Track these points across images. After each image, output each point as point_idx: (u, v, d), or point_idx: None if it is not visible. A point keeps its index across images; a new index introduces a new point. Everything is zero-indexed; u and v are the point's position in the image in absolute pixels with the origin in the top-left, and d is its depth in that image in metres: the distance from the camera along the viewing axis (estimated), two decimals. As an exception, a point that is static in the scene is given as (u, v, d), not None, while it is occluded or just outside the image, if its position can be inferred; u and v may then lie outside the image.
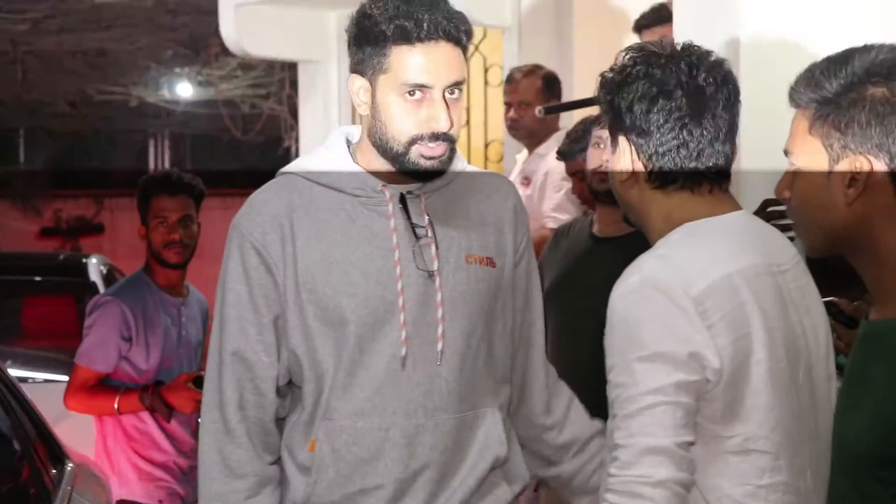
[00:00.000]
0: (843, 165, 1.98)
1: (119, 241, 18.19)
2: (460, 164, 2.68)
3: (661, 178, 2.34)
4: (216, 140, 17.86)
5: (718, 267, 2.24)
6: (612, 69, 2.41)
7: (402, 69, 2.49)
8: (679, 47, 2.36)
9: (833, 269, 2.20)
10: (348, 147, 2.64)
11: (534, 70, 5.70)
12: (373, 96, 2.54)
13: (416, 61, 2.48)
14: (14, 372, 5.01)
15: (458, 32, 2.51)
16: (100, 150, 19.11)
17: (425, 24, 2.47)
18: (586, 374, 2.95)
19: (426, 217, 2.60)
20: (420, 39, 2.48)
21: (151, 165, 19.48)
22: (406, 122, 2.51)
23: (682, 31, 3.92)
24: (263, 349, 2.59)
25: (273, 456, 2.64)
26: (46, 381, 6.56)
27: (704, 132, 2.32)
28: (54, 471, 3.56)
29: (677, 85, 2.32)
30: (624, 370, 2.21)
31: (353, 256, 2.55)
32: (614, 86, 2.38)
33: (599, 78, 2.43)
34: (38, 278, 7.59)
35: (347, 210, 2.58)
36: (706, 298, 2.20)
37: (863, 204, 1.97)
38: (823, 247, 2.07)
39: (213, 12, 8.46)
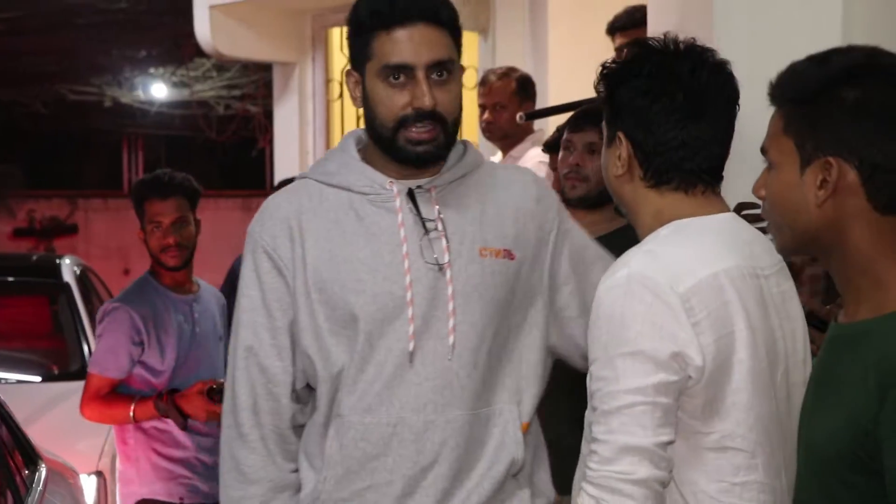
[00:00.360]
0: (815, 167, 1.97)
1: (93, 242, 18.13)
2: (475, 157, 2.67)
3: (656, 178, 2.35)
4: (191, 141, 17.82)
5: (705, 266, 2.25)
6: (613, 62, 2.41)
7: (382, 53, 2.50)
8: (682, 45, 2.35)
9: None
10: (359, 148, 2.65)
11: (508, 73, 5.70)
12: (363, 88, 2.56)
13: (394, 43, 2.49)
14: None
15: (436, 12, 2.50)
16: (74, 151, 19.03)
17: (400, 7, 2.48)
18: (565, 378, 2.96)
19: (436, 210, 2.57)
20: (397, 22, 2.49)
21: (125, 166, 19.43)
22: (390, 105, 2.51)
23: (657, 29, 3.93)
24: (277, 354, 2.58)
25: (291, 463, 2.62)
26: (19, 381, 6.54)
27: (703, 133, 2.32)
28: (27, 472, 3.55)
29: (679, 84, 2.31)
30: (606, 365, 2.21)
31: (361, 253, 2.54)
32: (615, 80, 2.38)
33: (600, 69, 2.42)
34: (11, 279, 7.53)
35: (356, 209, 2.58)
36: (692, 296, 2.21)
37: (833, 206, 1.96)
38: (794, 247, 2.07)
39: (187, 13, 8.45)
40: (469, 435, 2.54)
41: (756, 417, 2.22)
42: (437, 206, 2.57)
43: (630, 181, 2.37)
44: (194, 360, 4.44)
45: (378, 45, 2.50)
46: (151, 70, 15.73)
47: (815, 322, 2.61)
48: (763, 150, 2.08)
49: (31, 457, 3.64)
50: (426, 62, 2.49)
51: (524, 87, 5.61)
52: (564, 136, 3.72)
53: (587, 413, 2.34)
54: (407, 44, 2.49)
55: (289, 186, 2.69)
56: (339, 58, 8.68)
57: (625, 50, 2.42)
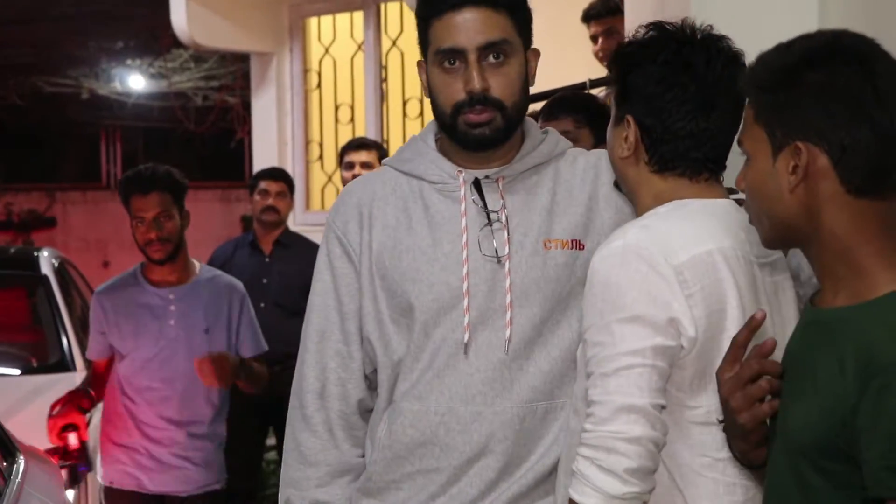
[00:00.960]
0: (786, 153, 1.97)
1: (71, 235, 18.07)
2: (554, 147, 2.65)
3: (661, 164, 2.39)
4: (169, 132, 17.75)
5: (700, 243, 2.27)
6: (630, 43, 2.43)
7: (436, 39, 2.52)
8: (699, 34, 2.37)
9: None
10: (437, 137, 2.65)
11: None
12: (427, 76, 2.58)
13: (446, 28, 2.50)
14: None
15: None
16: (51, 144, 18.95)
17: None
18: None
19: (501, 201, 2.56)
20: (449, 7, 2.50)
21: (103, 159, 19.35)
22: (447, 91, 2.51)
23: (634, 22, 3.93)
24: (345, 339, 2.62)
25: (357, 448, 2.65)
26: (-1, 374, 6.52)
27: (712, 125, 2.35)
28: (5, 464, 3.53)
29: (694, 75, 2.34)
30: (602, 330, 2.24)
31: (423, 243, 2.56)
32: (630, 63, 2.40)
33: (616, 50, 2.46)
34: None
35: (425, 198, 2.59)
36: (686, 269, 2.24)
37: (806, 191, 1.96)
38: (775, 237, 2.05)
39: (164, 4, 8.41)
40: (520, 428, 2.53)
41: None
42: (503, 197, 2.56)
43: (635, 164, 2.41)
44: (169, 351, 4.49)
45: (433, 31, 2.52)
46: (128, 61, 15.66)
47: None
48: (739, 142, 2.08)
49: (10, 449, 3.63)
50: (477, 45, 2.48)
51: None
52: (538, 124, 3.72)
53: (579, 380, 2.38)
54: (458, 28, 2.49)
55: (370, 172, 2.73)
56: (317, 47, 8.65)
57: (642, 32, 2.41)
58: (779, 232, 2.03)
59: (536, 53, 2.59)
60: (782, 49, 1.99)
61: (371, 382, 2.65)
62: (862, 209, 1.95)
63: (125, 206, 4.62)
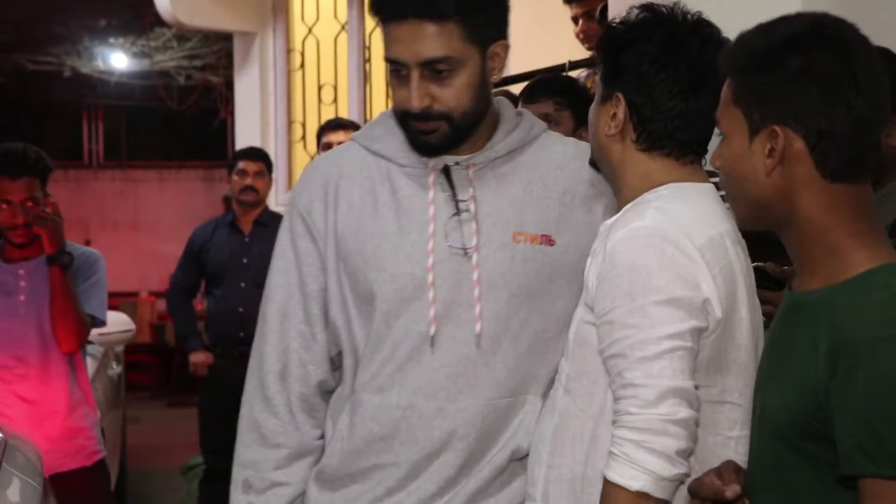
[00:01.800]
0: (763, 136, 1.97)
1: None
2: (528, 132, 2.57)
3: (649, 142, 2.40)
4: (152, 111, 17.70)
5: (711, 225, 2.31)
6: (623, 23, 2.43)
7: (385, 45, 2.46)
8: (691, 18, 2.40)
9: (761, 236, 2.23)
10: None
11: None
12: None
13: (391, 38, 2.43)
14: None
15: (431, 6, 2.38)
16: (34, 122, 18.87)
17: (393, 1, 2.41)
18: None
19: (471, 190, 2.49)
20: (391, 18, 2.42)
21: (85, 137, 19.28)
22: (397, 95, 2.46)
23: (618, 3, 3.92)
24: (308, 319, 2.57)
25: (317, 429, 2.61)
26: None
27: (701, 107, 2.37)
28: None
29: (687, 56, 2.37)
30: (635, 312, 2.24)
31: (388, 229, 2.49)
32: (623, 41, 2.41)
33: (605, 29, 2.46)
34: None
35: (393, 180, 2.52)
36: (706, 250, 2.27)
37: (782, 175, 1.97)
38: (749, 218, 2.07)
39: (147, -18, 8.38)
40: (482, 425, 2.48)
41: (751, 375, 2.27)
42: (473, 185, 2.49)
43: (621, 142, 2.42)
44: (25, 327, 4.45)
45: (384, 35, 2.45)
46: (111, 40, 15.59)
47: (770, 282, 2.61)
48: (716, 121, 2.09)
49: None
50: (418, 61, 2.40)
51: None
52: (519, 107, 3.72)
53: (565, 365, 2.39)
54: (400, 41, 2.41)
55: (338, 147, 2.64)
56: (301, 27, 8.63)
57: (634, 13, 2.42)
58: (754, 212, 2.04)
59: (504, 47, 2.49)
60: (763, 31, 2.00)
61: (335, 363, 2.60)
62: (837, 193, 1.96)
63: None
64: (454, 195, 2.48)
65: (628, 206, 2.37)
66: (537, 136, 2.59)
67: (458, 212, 2.48)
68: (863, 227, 1.97)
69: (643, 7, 2.43)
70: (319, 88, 8.38)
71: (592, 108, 2.49)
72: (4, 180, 4.42)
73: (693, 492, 2.12)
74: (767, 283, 2.60)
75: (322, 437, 2.61)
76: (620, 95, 2.40)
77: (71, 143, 19.31)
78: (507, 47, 2.49)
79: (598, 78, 2.49)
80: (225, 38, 12.02)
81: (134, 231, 17.62)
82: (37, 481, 3.53)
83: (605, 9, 4.56)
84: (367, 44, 8.21)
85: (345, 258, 2.51)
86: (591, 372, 2.34)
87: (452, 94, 2.42)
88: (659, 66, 2.37)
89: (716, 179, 2.66)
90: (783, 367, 1.97)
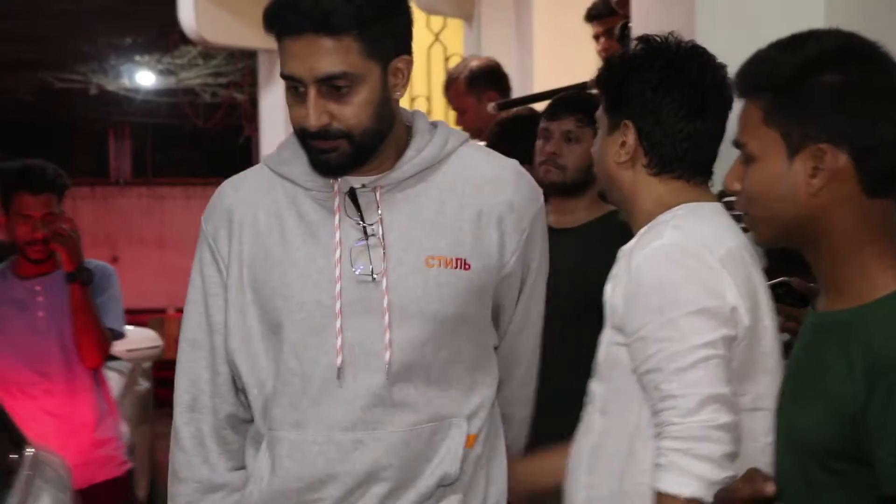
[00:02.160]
0: (805, 155, 1.94)
1: (80, 230, 18.09)
2: (440, 149, 2.44)
3: (660, 166, 2.48)
4: (177, 129, 17.79)
5: (728, 240, 2.38)
6: (621, 55, 2.53)
7: (281, 62, 2.35)
8: (686, 46, 2.49)
9: (787, 251, 2.24)
10: None
11: (454, 74, 5.44)
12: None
13: (286, 54, 2.32)
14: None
15: (326, 20, 2.27)
16: (60, 139, 18.99)
17: (285, 16, 2.31)
18: (554, 364, 2.98)
19: (378, 213, 2.38)
20: (285, 33, 2.32)
21: (112, 154, 19.39)
22: (293, 115, 2.35)
23: (640, 19, 3.95)
24: (212, 351, 2.47)
25: (230, 461, 2.49)
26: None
27: (707, 129, 2.46)
28: (14, 456, 3.56)
29: (689, 80, 2.45)
30: (666, 326, 2.29)
31: (296, 255, 2.38)
32: (624, 71, 2.49)
33: (604, 63, 2.54)
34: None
35: (298, 205, 2.41)
36: (727, 262, 2.34)
37: (826, 193, 1.94)
38: (777, 238, 2.04)
39: (172, 0, 8.44)
40: (405, 453, 2.38)
41: (778, 382, 2.30)
42: (381, 208, 2.38)
43: (631, 168, 2.49)
44: (45, 348, 4.45)
45: (279, 51, 2.34)
46: (137, 58, 15.69)
47: (795, 298, 2.62)
48: (738, 144, 2.05)
49: (17, 441, 3.66)
50: (314, 78, 2.29)
51: (475, 80, 5.36)
52: (541, 124, 3.75)
53: (597, 388, 2.45)
54: (295, 57, 2.30)
55: (246, 171, 2.55)
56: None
57: (632, 42, 2.53)
58: (783, 233, 2.01)
59: (406, 62, 2.38)
60: (788, 48, 1.98)
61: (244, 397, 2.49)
62: (870, 210, 1.95)
63: (3, 198, 4.48)
64: (361, 219, 2.38)
65: (643, 229, 2.43)
66: (454, 150, 2.46)
67: (365, 236, 2.37)
68: (888, 246, 1.96)
69: (638, 39, 2.51)
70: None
71: (597, 141, 2.56)
72: (25, 196, 4.44)
73: (724, 499, 2.10)
74: (791, 300, 2.62)
75: (239, 468, 2.50)
76: (630, 123, 2.47)
77: (97, 160, 19.43)
78: (409, 62, 2.38)
79: (599, 112, 2.55)
80: (250, 56, 12.08)
81: (160, 248, 17.69)
82: (67, 495, 3.56)
83: (624, 26, 4.59)
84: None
85: (254, 287, 2.41)
86: (625, 391, 2.38)
87: (352, 112, 2.32)
88: (663, 91, 2.44)
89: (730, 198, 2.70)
90: (813, 388, 1.95)
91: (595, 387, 2.47)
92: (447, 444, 2.41)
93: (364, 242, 2.37)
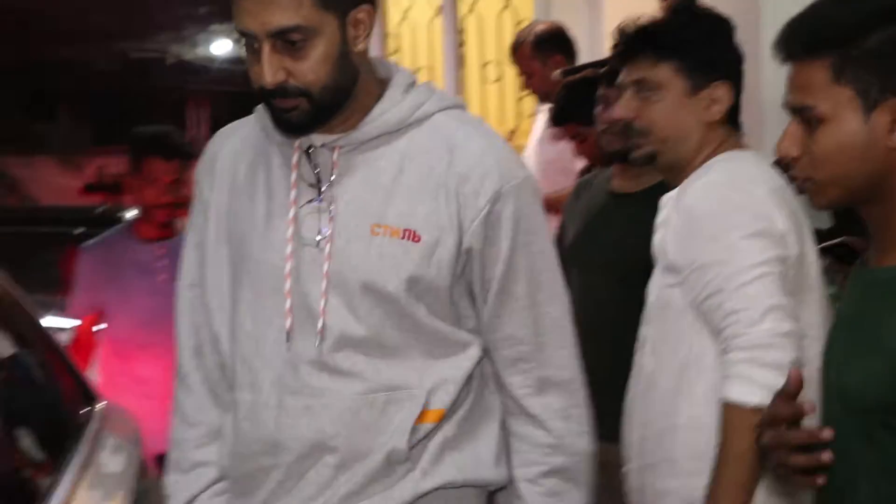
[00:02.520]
0: (884, 109, 1.90)
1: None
2: (408, 112, 2.31)
3: (734, 122, 2.69)
4: (253, 97, 17.88)
5: (773, 179, 2.51)
6: (706, 18, 2.73)
7: (234, 17, 2.24)
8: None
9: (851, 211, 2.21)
10: None
11: (520, 39, 5.51)
12: None
13: (237, 7, 2.22)
14: (58, 320, 5.10)
15: None
16: (140, 108, 19.20)
17: None
18: (605, 330, 2.99)
19: (332, 175, 2.28)
20: None
21: (190, 123, 19.56)
22: (252, 71, 2.25)
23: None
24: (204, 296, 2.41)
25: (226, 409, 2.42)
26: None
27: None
28: (85, 409, 3.64)
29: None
30: (723, 250, 2.42)
31: (259, 212, 2.33)
32: (719, 32, 2.71)
33: (676, 24, 2.69)
34: (77, 230, 7.67)
35: (269, 160, 2.34)
36: (774, 195, 2.47)
37: None
38: (845, 198, 1.99)
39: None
40: (353, 423, 2.28)
41: (824, 314, 2.48)
42: (336, 170, 2.28)
43: (718, 127, 2.63)
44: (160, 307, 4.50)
45: (232, 6, 2.22)
46: (213, 26, 15.80)
47: (851, 258, 2.61)
48: (799, 108, 1.96)
49: (89, 396, 3.73)
50: (267, 32, 2.18)
51: (541, 44, 5.42)
52: (598, 92, 3.67)
53: (648, 330, 2.57)
54: (246, 10, 2.19)
55: (242, 119, 2.48)
56: (396, 12, 8.70)
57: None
58: (853, 192, 1.96)
59: (367, 12, 2.25)
60: (848, 3, 1.93)
61: None
62: None
63: (133, 160, 4.58)
64: (317, 179, 2.29)
65: (691, 176, 2.56)
66: (427, 116, 2.32)
67: (318, 197, 2.29)
68: None
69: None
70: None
71: (672, 102, 2.63)
72: (157, 161, 4.52)
73: (769, 420, 1.97)
74: (851, 259, 2.61)
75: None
76: (726, 83, 2.62)
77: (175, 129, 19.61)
78: (371, 13, 2.26)
79: (667, 74, 2.63)
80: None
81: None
82: (135, 450, 3.63)
83: None
84: (461, 28, 8.23)
85: (227, 241, 2.36)
86: (674, 330, 2.50)
87: (309, 68, 2.20)
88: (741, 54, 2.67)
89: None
90: (867, 344, 1.93)
91: (645, 330, 2.57)
92: (402, 416, 2.29)
93: (314, 204, 2.29)
